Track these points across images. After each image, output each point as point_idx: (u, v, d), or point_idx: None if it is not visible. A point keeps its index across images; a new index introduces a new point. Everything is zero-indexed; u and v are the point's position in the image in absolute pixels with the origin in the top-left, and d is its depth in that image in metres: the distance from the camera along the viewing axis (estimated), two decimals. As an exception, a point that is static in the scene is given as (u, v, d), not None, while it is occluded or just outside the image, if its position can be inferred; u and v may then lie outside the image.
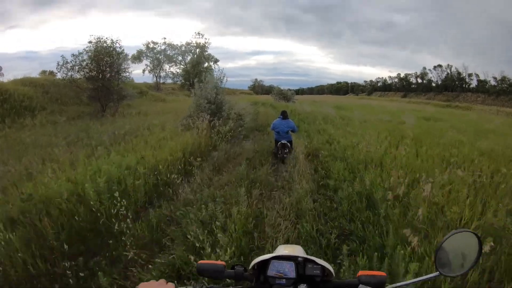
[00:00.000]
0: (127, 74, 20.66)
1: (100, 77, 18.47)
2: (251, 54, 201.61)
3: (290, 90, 36.12)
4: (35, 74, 26.23)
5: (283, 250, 1.50)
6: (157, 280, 0.99)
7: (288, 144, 7.66)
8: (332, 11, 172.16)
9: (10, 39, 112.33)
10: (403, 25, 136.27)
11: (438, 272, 1.08)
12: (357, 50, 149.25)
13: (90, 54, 18.58)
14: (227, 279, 1.24)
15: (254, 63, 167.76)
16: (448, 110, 41.15)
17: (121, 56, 19.85)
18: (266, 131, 14.07)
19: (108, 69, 18.83)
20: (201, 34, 59.65)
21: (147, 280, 1.01)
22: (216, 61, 62.47)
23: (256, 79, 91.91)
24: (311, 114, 17.24)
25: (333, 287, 1.17)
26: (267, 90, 72.06)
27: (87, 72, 18.46)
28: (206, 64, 58.70)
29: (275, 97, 33.91)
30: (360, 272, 1.13)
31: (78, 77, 18.70)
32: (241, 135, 12.43)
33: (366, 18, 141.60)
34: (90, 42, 18.82)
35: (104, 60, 18.51)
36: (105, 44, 18.96)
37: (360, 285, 1.09)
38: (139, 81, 55.83)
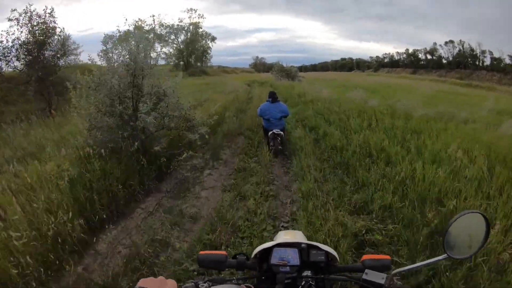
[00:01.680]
0: (73, 57, 14.17)
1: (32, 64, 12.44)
2: (251, 31, 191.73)
3: (293, 66, 28.68)
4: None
5: (284, 236, 1.36)
6: (156, 277, 0.83)
7: (282, 133, 6.26)
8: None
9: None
10: (408, 0, 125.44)
11: (446, 255, 1.01)
12: (360, 25, 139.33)
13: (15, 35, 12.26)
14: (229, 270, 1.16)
15: (254, 40, 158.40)
16: (473, 91, 33.77)
17: (57, 32, 12.95)
18: (259, 139, 7.44)
19: (42, 52, 12.69)
20: (194, 10, 52.19)
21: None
22: (213, 38, 56.65)
23: (257, 57, 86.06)
24: (334, 103, 10.32)
25: (337, 272, 1.10)
26: (268, 67, 65.38)
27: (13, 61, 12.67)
28: (203, 42, 53.37)
29: (276, 75, 26.73)
30: (364, 257, 1.08)
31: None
32: (191, 162, 5.77)
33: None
34: (11, 19, 12.04)
35: (38, 41, 12.20)
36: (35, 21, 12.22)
37: (366, 270, 1.01)
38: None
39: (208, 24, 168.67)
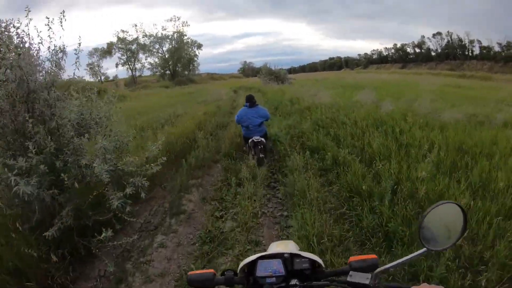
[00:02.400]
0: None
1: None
2: (238, 37, 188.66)
3: (282, 69, 26.31)
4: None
5: (275, 247, 1.31)
6: None
7: (263, 139, 5.49)
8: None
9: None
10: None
11: (425, 248, 0.95)
12: (346, 24, 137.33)
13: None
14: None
15: (242, 46, 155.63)
16: (472, 82, 31.81)
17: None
18: (241, 172, 5.21)
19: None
20: (177, 17, 49.86)
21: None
22: (199, 46, 54.29)
23: (245, 62, 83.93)
24: (339, 110, 8.01)
25: (324, 277, 1.06)
26: (257, 71, 62.01)
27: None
28: (189, 50, 51.24)
29: (263, 79, 24.30)
30: (351, 258, 1.04)
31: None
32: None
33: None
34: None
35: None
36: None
37: (351, 272, 0.97)
38: (124, 77, 49.43)
39: (194, 32, 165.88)
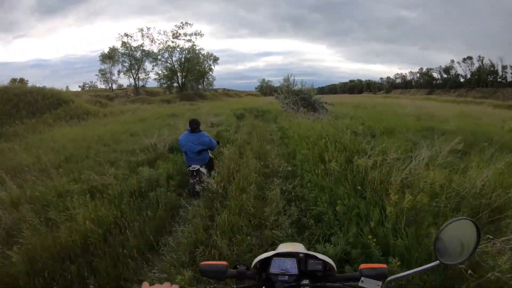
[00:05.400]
0: None
1: None
2: (259, 55, 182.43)
3: (312, 87, 14.83)
4: (44, 82, 14.85)
5: (284, 248, 1.22)
6: (161, 283, 0.82)
7: (201, 169, 4.78)
8: (339, 9, 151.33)
9: (19, 48, 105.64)
10: (411, 21, 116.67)
11: (438, 261, 0.96)
12: (366, 48, 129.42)
13: None
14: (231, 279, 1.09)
15: (263, 64, 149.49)
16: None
17: None
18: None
19: None
20: (189, 24, 41.80)
21: (151, 283, 0.82)
22: (215, 59, 46.63)
23: (263, 80, 77.12)
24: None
25: (335, 281, 1.02)
26: (275, 90, 52.32)
27: None
28: (204, 62, 43.87)
29: (283, 102, 14.71)
30: (362, 266, 1.00)
31: None
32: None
33: (374, 15, 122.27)
34: None
35: None
36: None
37: (362, 278, 0.95)
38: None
39: (217, 47, 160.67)
